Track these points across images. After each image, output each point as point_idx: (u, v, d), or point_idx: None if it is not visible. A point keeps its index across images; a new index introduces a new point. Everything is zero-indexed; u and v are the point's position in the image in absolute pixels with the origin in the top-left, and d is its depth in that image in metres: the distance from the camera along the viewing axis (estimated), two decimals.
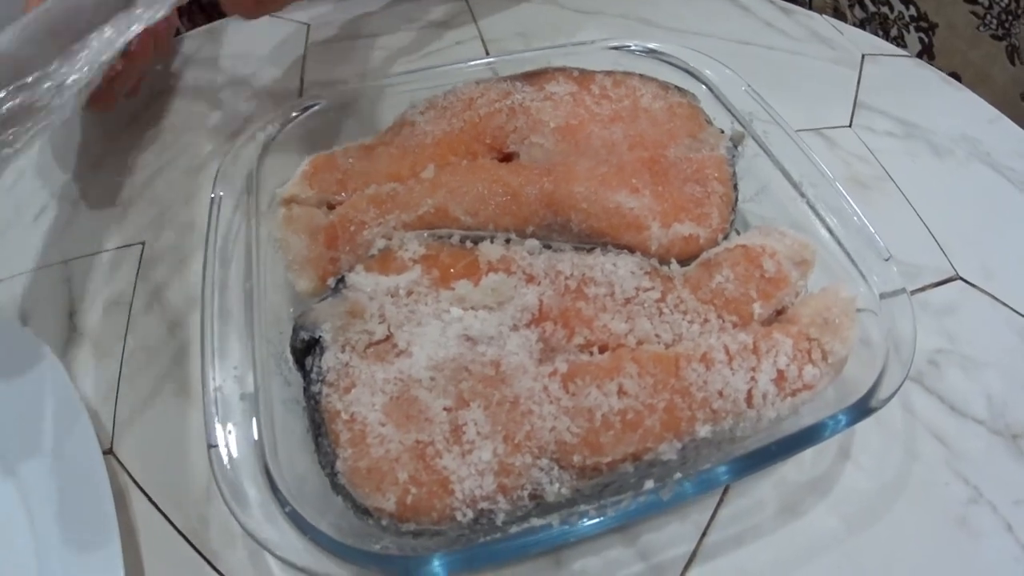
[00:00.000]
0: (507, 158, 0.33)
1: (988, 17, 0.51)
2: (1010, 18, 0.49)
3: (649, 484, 0.25)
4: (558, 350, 0.28)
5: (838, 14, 0.60)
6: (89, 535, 0.29)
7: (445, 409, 0.25)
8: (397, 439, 0.25)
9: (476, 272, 0.29)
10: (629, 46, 0.37)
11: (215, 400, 0.26)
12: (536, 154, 0.32)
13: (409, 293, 0.28)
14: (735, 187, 0.32)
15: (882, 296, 0.29)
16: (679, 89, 0.34)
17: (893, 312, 0.28)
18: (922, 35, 0.56)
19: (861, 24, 0.60)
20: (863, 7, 0.59)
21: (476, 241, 0.30)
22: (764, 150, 0.34)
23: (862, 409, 0.26)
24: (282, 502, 0.24)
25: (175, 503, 0.31)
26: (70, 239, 0.42)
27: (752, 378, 0.27)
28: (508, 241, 0.30)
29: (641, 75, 0.35)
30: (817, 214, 0.32)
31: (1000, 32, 0.51)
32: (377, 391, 0.25)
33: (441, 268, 0.29)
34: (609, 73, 0.35)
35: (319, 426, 0.26)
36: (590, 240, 0.31)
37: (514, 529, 0.24)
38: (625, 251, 0.30)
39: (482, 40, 0.49)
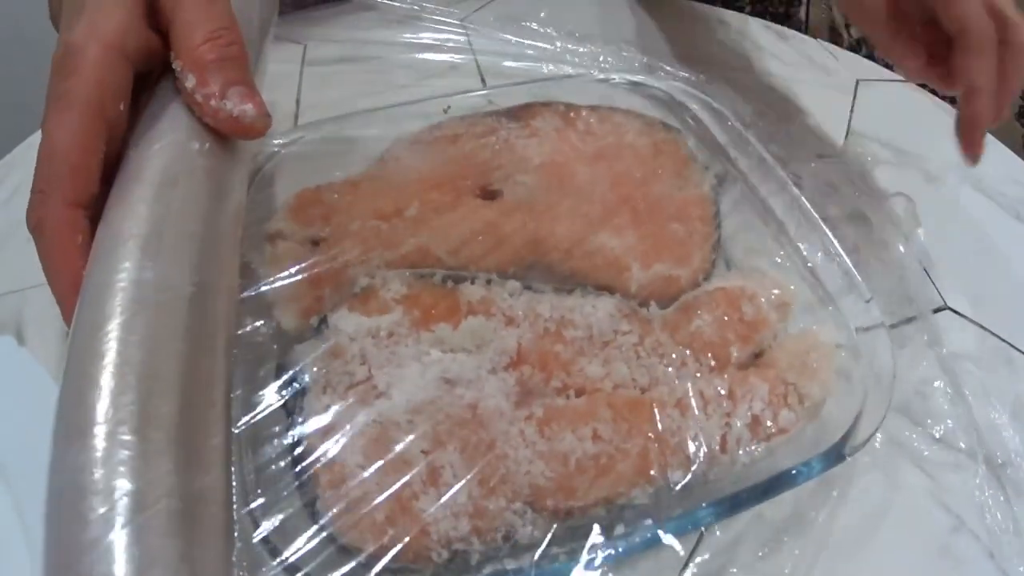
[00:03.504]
0: (491, 195, 0.33)
1: None
2: None
3: (620, 529, 0.25)
4: (535, 393, 0.28)
5: (834, 33, 0.59)
6: None
7: (423, 452, 0.26)
8: (375, 480, 0.25)
9: (457, 313, 0.29)
10: (614, 78, 0.37)
11: None
12: (520, 192, 0.33)
13: (390, 335, 0.29)
14: (718, 226, 0.33)
15: (859, 331, 0.29)
16: (664, 125, 0.35)
17: (874, 350, 0.28)
18: None
19: (857, 43, 0.59)
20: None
21: (458, 281, 0.31)
22: (749, 186, 0.34)
23: (835, 455, 0.27)
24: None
25: None
26: None
27: (727, 423, 0.27)
28: (489, 282, 0.30)
29: (626, 110, 0.35)
30: (800, 253, 0.32)
31: None
32: (356, 433, 0.26)
33: (422, 309, 0.29)
34: (594, 108, 0.35)
35: (301, 465, 0.26)
36: (571, 281, 0.31)
37: (488, 570, 0.25)
38: (605, 293, 0.30)
39: (477, 65, 0.49)
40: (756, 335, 0.30)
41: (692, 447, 0.27)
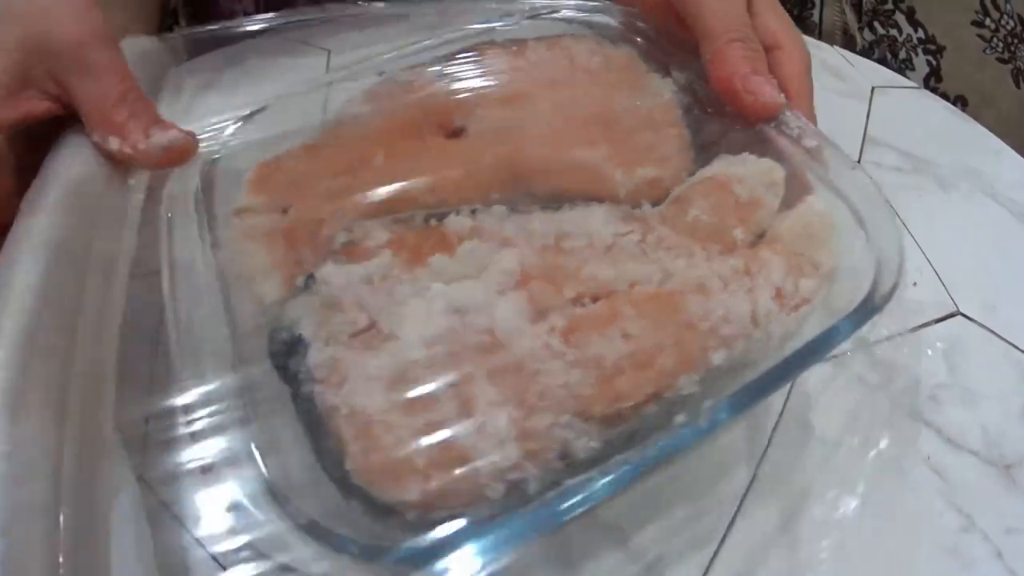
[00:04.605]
0: (456, 134, 0.32)
1: (995, 40, 0.51)
2: (1016, 41, 0.50)
3: (680, 419, 0.23)
4: (550, 308, 0.26)
5: (847, 37, 0.60)
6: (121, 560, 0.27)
7: (448, 386, 0.24)
8: (405, 424, 0.23)
9: (448, 246, 0.27)
10: (556, 12, 0.36)
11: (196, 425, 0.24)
12: (484, 126, 0.31)
13: (384, 279, 0.26)
14: (687, 128, 0.32)
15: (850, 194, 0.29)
16: (611, 42, 0.34)
17: (872, 210, 0.28)
18: (930, 58, 0.56)
19: (870, 46, 0.60)
20: (872, 30, 0.59)
21: (440, 218, 0.29)
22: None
23: (869, 308, 0.26)
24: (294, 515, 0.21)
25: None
26: None
27: (752, 300, 0.26)
28: (474, 212, 0.29)
29: (573, 34, 0.35)
30: (783, 133, 0.31)
31: (1006, 55, 0.51)
32: (373, 379, 0.24)
33: (410, 249, 0.27)
34: (540, 39, 0.35)
35: (318, 428, 0.23)
36: (555, 200, 0.30)
37: (550, 495, 0.22)
38: (593, 203, 0.29)
39: None
40: (753, 215, 0.29)
41: (725, 328, 0.25)
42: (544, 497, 0.22)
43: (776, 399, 0.34)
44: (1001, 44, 0.50)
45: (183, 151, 0.29)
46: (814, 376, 0.35)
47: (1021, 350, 0.36)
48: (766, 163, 0.30)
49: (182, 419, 0.24)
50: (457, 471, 0.22)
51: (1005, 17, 0.49)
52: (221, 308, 0.27)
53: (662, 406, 0.24)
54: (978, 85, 0.52)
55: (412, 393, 0.23)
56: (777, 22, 0.32)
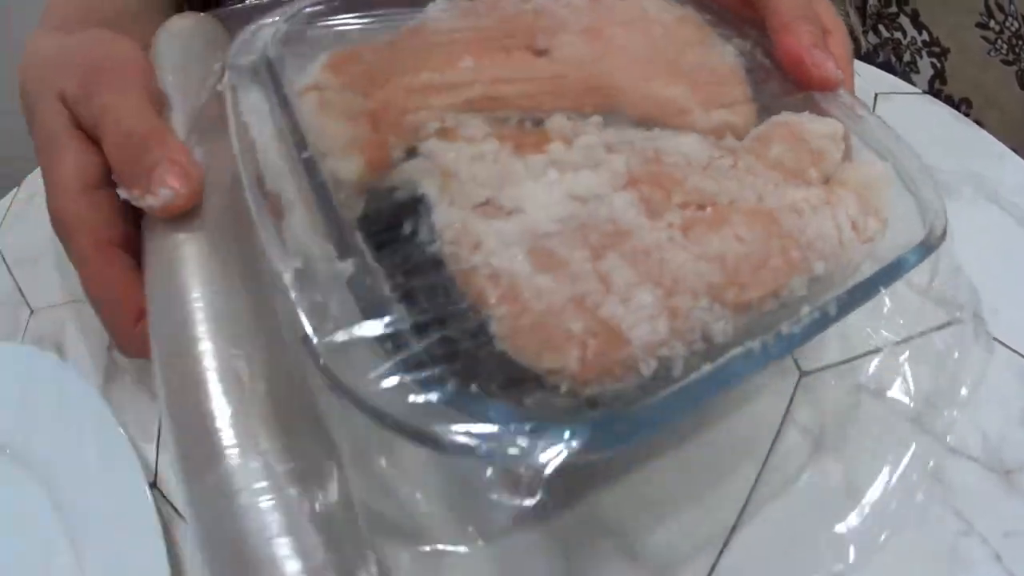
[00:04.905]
0: (540, 54, 0.31)
1: (999, 42, 0.51)
2: (1020, 43, 0.50)
3: (805, 309, 0.24)
4: (660, 211, 0.26)
5: (852, 40, 0.60)
6: (138, 567, 0.29)
7: (586, 260, 0.22)
8: (555, 290, 0.21)
9: (547, 147, 0.27)
10: None
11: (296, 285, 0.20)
12: (568, 51, 0.31)
13: (495, 160, 0.25)
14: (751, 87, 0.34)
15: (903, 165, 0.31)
16: (680, 3, 0.36)
17: (920, 181, 0.31)
18: (934, 60, 0.56)
19: (875, 49, 0.61)
20: (876, 33, 0.59)
21: (535, 123, 0.28)
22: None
23: (932, 241, 0.28)
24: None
25: None
26: None
27: (836, 225, 0.28)
28: (569, 119, 0.28)
29: None
30: (836, 104, 0.33)
31: (1011, 57, 0.51)
32: (511, 244, 0.22)
33: (514, 141, 0.26)
34: None
35: (449, 292, 0.21)
36: (645, 124, 0.30)
37: (693, 377, 0.22)
38: (681, 132, 0.30)
39: None
40: (822, 163, 0.31)
41: (819, 244, 0.27)
42: (687, 379, 0.22)
43: (779, 405, 0.35)
44: (1005, 46, 0.51)
45: (173, 208, 0.27)
46: (816, 382, 0.36)
47: (1022, 355, 0.37)
48: (829, 121, 0.32)
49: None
50: (613, 341, 0.21)
51: (1009, 19, 0.50)
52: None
53: (778, 305, 0.25)
54: (982, 87, 0.54)
55: (550, 262, 0.22)
56: (826, 9, 0.35)
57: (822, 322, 0.24)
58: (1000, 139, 0.46)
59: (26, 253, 0.47)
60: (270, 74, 0.27)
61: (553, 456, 0.18)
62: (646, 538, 0.31)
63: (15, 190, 0.53)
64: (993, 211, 0.43)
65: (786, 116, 0.32)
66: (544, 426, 0.18)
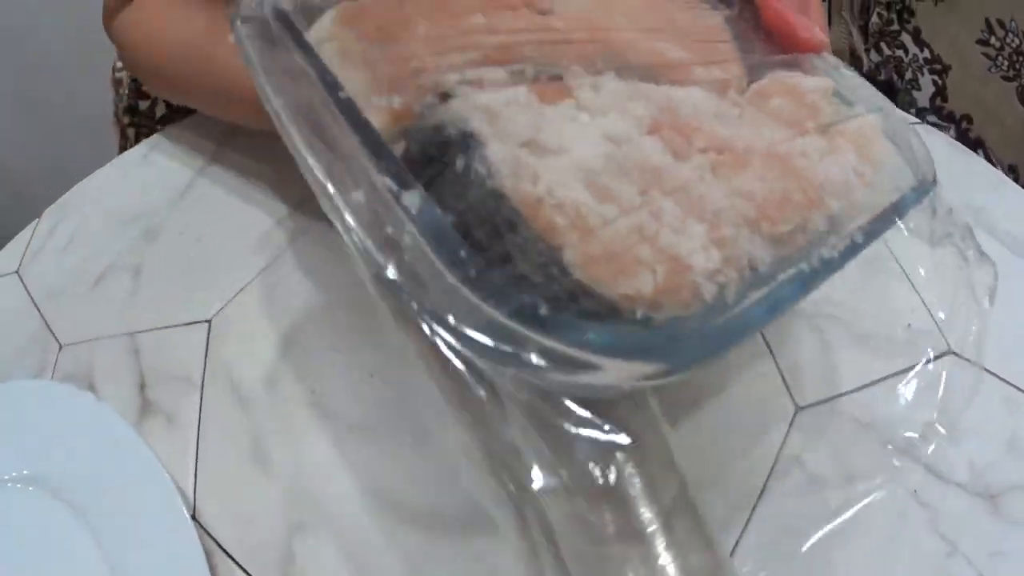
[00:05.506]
0: (543, 13, 0.31)
1: (999, 58, 0.51)
2: (1020, 59, 0.49)
3: (833, 239, 0.25)
4: (683, 154, 0.27)
5: (854, 58, 0.60)
6: None
7: (636, 194, 0.23)
8: (618, 217, 0.21)
9: (572, 94, 0.27)
10: None
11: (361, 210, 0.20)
12: (571, 9, 0.32)
13: (527, 105, 0.25)
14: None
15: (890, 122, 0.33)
16: None
17: (905, 135, 0.32)
18: (936, 77, 0.55)
19: (877, 67, 0.59)
20: (878, 51, 0.58)
21: (551, 78, 0.28)
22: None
23: (926, 186, 0.30)
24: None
25: (261, 566, 0.33)
26: (133, 310, 0.44)
27: (841, 170, 0.29)
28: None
29: None
30: (821, 67, 0.35)
31: (1011, 73, 0.51)
32: (568, 175, 0.22)
33: (539, 89, 0.26)
34: None
35: (514, 225, 0.21)
36: (650, 79, 0.30)
37: (744, 304, 0.22)
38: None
39: None
40: (817, 117, 0.32)
41: (829, 186, 0.28)
42: (740, 306, 0.22)
43: (776, 436, 0.36)
44: (1006, 62, 0.50)
45: None
46: (808, 418, 0.37)
47: (1009, 383, 0.38)
48: (820, 78, 0.33)
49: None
50: (678, 268, 0.21)
51: (1010, 35, 0.49)
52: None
53: (806, 240, 0.25)
54: (983, 103, 0.52)
55: (604, 196, 0.22)
56: None
57: (852, 249, 0.25)
58: (1001, 155, 0.48)
59: (52, 287, 0.48)
60: (285, 25, 0.26)
61: (645, 376, 0.18)
62: None
63: (35, 222, 0.52)
64: (987, 241, 0.43)
65: (780, 74, 0.33)
66: (636, 344, 0.18)
